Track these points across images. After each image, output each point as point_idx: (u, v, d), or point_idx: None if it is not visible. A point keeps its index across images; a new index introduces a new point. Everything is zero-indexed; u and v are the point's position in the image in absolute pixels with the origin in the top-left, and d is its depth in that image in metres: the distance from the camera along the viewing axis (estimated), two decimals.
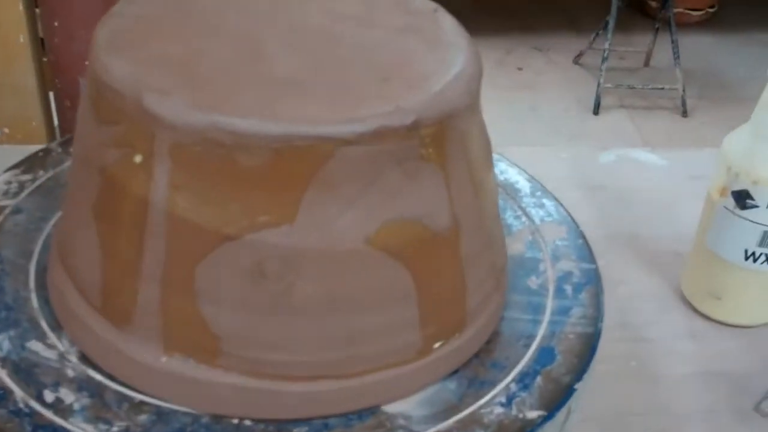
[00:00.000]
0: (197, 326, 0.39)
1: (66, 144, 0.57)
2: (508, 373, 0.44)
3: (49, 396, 0.41)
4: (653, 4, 2.64)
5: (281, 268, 0.38)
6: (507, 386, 0.43)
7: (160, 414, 0.41)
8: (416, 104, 0.38)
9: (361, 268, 0.39)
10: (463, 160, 0.41)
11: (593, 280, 0.50)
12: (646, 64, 2.53)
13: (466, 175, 0.42)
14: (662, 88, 2.32)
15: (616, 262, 0.80)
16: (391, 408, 0.42)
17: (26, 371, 0.42)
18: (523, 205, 0.56)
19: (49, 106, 0.91)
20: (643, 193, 0.95)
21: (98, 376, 0.42)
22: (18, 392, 0.41)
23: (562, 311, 0.48)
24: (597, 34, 2.35)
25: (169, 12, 0.43)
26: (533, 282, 0.50)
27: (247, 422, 0.41)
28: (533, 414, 0.42)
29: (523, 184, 0.58)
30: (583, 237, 0.53)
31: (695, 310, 0.81)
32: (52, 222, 0.51)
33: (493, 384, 0.43)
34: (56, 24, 0.81)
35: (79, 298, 0.43)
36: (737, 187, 0.72)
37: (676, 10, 2.30)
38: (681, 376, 0.76)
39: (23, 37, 0.85)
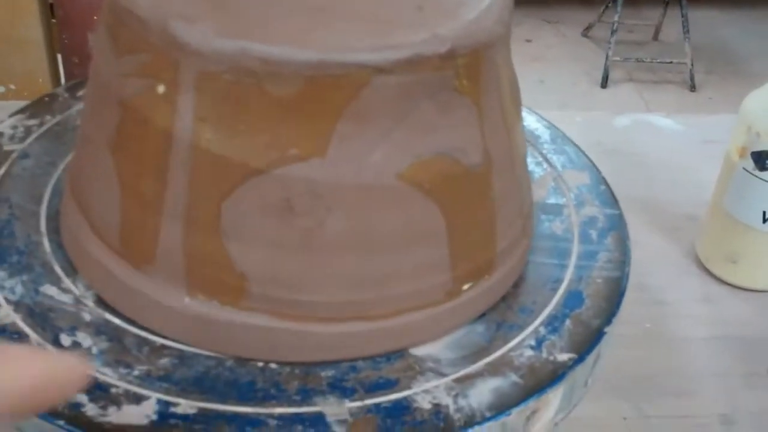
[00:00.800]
0: (222, 265, 0.38)
1: (73, 89, 0.56)
2: (536, 317, 0.43)
3: (65, 340, 0.40)
4: None
5: (311, 203, 0.37)
6: (536, 329, 0.42)
7: (183, 357, 0.39)
8: (451, 32, 0.37)
9: (392, 205, 0.38)
10: (496, 95, 0.40)
11: (618, 225, 0.49)
12: (655, 37, 2.51)
13: (498, 110, 0.40)
14: (671, 62, 2.30)
15: (631, 226, 0.79)
16: (419, 351, 0.41)
17: (41, 315, 0.41)
18: (544, 151, 0.54)
19: (56, 63, 0.90)
20: (657, 157, 0.95)
21: (116, 320, 0.41)
22: (33, 336, 0.40)
23: (588, 256, 0.47)
24: (606, 6, 2.34)
25: None
26: (557, 227, 0.49)
27: (273, 365, 0.39)
28: (564, 356, 0.40)
29: (543, 131, 0.56)
30: (606, 183, 0.52)
31: (710, 274, 0.80)
32: (61, 167, 0.49)
33: (521, 327, 0.42)
34: None
35: (96, 239, 0.41)
36: (757, 148, 0.72)
37: None
38: (695, 339, 0.75)
39: None
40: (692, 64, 2.29)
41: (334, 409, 0.37)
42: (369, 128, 0.36)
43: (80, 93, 0.55)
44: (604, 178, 0.52)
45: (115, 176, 0.39)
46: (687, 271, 0.83)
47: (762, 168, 0.72)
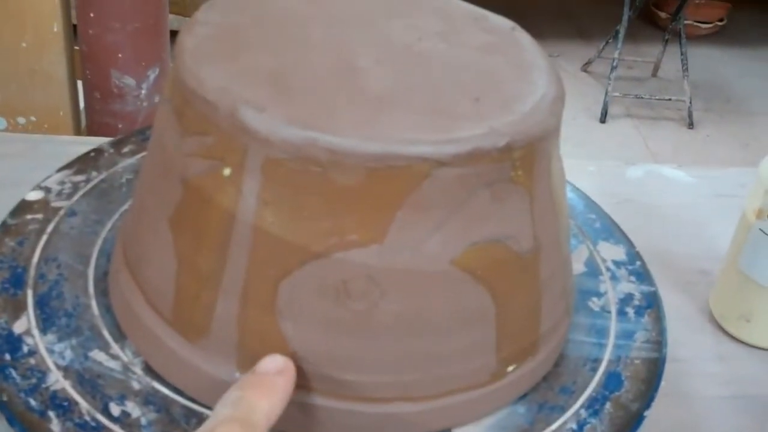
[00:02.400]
0: (275, 343, 0.39)
1: (118, 144, 0.56)
2: (576, 399, 0.43)
3: (115, 409, 0.40)
4: (663, 15, 2.65)
5: (366, 287, 0.37)
6: (577, 412, 0.43)
7: None
8: (509, 126, 0.38)
9: (444, 290, 0.39)
10: (546, 183, 0.41)
11: (654, 304, 0.50)
12: (654, 74, 2.54)
13: (548, 197, 0.41)
14: (669, 99, 2.33)
15: None
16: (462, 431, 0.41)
17: (90, 382, 0.41)
18: (579, 223, 0.55)
19: (76, 97, 0.90)
20: (669, 209, 0.95)
21: (164, 390, 0.41)
22: (83, 404, 0.40)
23: (626, 335, 0.47)
24: (606, 42, 2.36)
25: (254, 21, 0.42)
26: (595, 303, 0.49)
27: None
28: None
29: (577, 201, 0.57)
30: (641, 258, 0.53)
31: (724, 332, 0.80)
32: (108, 225, 0.50)
33: (563, 409, 0.43)
34: (91, 15, 0.80)
35: (148, 308, 0.42)
36: None
37: (685, 22, 2.31)
38: (710, 398, 0.76)
39: (57, 26, 0.84)
40: (690, 102, 2.31)
41: None
42: (427, 216, 0.37)
43: (125, 149, 0.55)
44: (638, 253, 0.53)
45: (173, 250, 0.40)
46: (701, 327, 0.83)
47: None
